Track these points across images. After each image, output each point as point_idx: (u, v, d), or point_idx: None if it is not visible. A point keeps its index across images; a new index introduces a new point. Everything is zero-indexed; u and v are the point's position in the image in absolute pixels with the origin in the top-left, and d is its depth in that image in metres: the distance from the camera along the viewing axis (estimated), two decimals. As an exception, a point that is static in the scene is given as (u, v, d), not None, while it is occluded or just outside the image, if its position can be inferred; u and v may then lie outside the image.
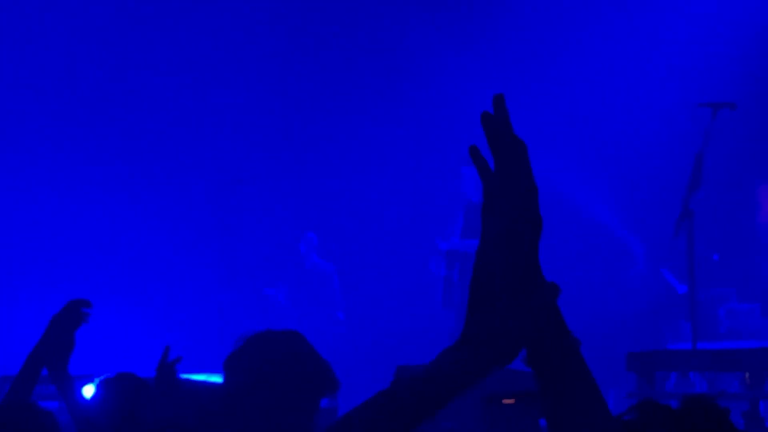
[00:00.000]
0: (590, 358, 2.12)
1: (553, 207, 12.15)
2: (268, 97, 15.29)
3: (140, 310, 14.18)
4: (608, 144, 14.43)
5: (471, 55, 14.60)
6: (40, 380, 4.52)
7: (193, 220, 15.17)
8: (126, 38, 14.98)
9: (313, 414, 3.35)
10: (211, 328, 13.80)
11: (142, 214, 14.77)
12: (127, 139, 15.05)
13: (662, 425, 2.55)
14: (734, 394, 8.52)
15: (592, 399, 2.01)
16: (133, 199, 14.83)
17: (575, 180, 14.07)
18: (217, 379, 3.89)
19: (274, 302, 14.66)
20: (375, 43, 15.18)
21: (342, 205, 15.21)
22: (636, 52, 14.59)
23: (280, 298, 14.65)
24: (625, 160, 14.34)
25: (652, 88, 14.38)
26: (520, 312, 1.98)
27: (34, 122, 14.84)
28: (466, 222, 12.32)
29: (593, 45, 14.68)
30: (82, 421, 4.33)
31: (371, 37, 15.20)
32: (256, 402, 3.25)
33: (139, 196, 14.92)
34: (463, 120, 13.45)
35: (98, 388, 4.39)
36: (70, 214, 14.65)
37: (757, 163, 14.15)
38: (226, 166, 15.37)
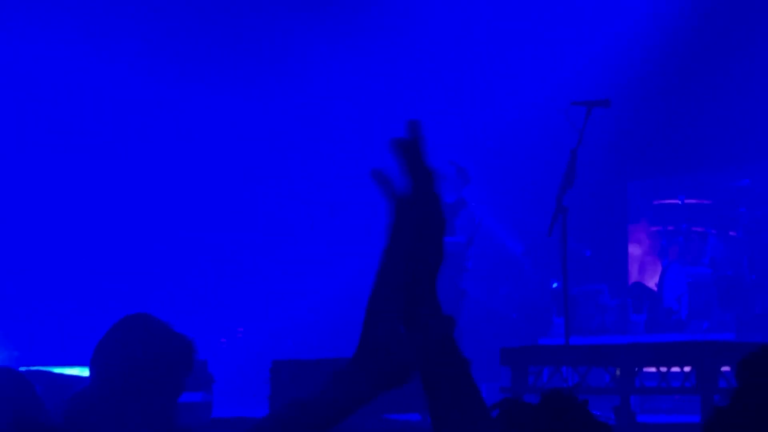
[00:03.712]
0: (465, 353, 2.13)
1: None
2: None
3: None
4: (482, 140, 14.53)
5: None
6: None
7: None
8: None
9: (177, 394, 3.34)
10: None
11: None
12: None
13: (522, 420, 2.57)
14: (605, 389, 8.62)
15: (478, 413, 2.03)
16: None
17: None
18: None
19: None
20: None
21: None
22: (511, 50, 14.71)
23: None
24: (499, 157, 14.44)
25: (527, 85, 14.51)
26: (412, 340, 1.99)
27: (36, 123, 14.85)
28: None
29: (470, 42, 14.78)
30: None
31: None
32: (119, 390, 3.23)
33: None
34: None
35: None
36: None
37: (628, 161, 14.35)
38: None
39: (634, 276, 14.41)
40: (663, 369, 8.30)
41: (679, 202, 13.18)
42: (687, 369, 8.15)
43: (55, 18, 14.60)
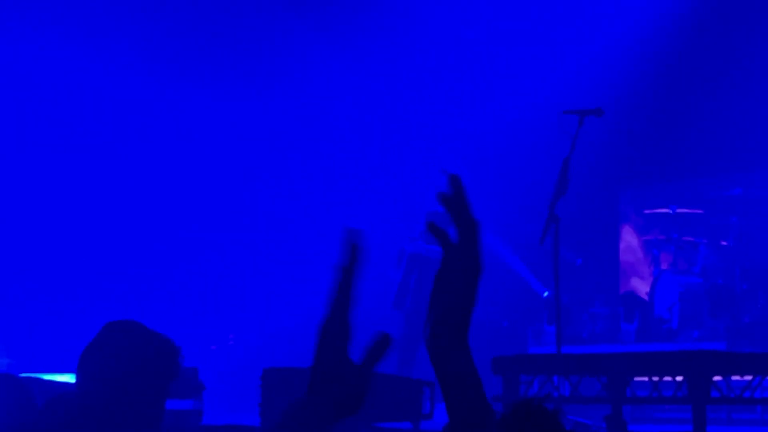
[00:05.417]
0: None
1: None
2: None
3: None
4: (475, 149, 14.57)
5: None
6: None
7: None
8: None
9: (163, 399, 3.37)
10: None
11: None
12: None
13: (489, 429, 2.59)
14: (597, 398, 8.67)
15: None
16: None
17: (443, 184, 14.14)
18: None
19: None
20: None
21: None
22: (502, 59, 14.74)
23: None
24: (492, 165, 14.47)
25: (520, 94, 14.54)
26: (364, 372, 2.06)
27: (35, 125, 14.93)
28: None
29: (465, 51, 14.83)
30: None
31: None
32: (105, 396, 3.25)
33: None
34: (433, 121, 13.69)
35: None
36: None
37: (620, 169, 14.38)
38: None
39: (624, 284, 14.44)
40: (654, 378, 8.34)
41: (671, 212, 13.19)
42: (679, 378, 8.20)
43: (55, 18, 14.64)
